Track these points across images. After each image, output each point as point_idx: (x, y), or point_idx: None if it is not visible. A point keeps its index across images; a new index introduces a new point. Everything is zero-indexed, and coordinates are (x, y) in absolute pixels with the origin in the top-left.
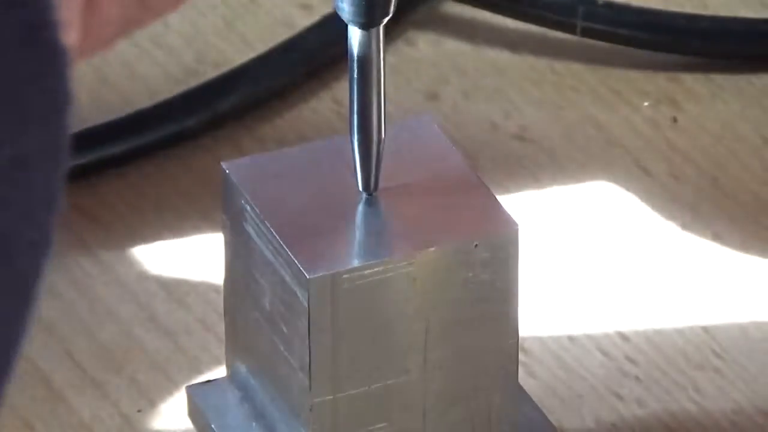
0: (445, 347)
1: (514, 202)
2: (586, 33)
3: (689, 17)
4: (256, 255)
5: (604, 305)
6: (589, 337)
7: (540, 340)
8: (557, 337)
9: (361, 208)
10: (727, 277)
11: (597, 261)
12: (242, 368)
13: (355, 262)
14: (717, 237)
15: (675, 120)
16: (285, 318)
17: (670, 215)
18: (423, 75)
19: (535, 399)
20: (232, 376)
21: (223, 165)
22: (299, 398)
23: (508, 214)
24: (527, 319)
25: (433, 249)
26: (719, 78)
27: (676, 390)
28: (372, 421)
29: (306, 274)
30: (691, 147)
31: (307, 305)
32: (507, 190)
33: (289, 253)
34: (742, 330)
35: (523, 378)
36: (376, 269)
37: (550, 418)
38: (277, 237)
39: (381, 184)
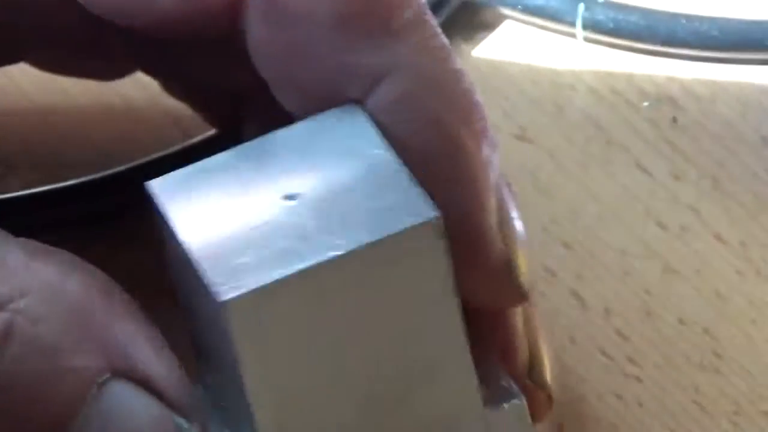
0: (394, 357)
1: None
2: (586, 32)
3: (689, 17)
4: (184, 281)
5: (604, 306)
6: (590, 337)
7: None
8: (558, 338)
9: (284, 214)
10: (727, 278)
11: (597, 261)
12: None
13: (275, 276)
14: (717, 237)
15: (675, 120)
16: (219, 352)
17: (670, 215)
18: None
19: None
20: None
21: (147, 185)
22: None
23: (428, 204)
24: None
25: (354, 250)
26: (719, 78)
27: (676, 390)
28: None
29: (219, 298)
30: (692, 147)
31: (230, 334)
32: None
33: (204, 275)
34: (743, 330)
35: None
36: (295, 283)
37: (551, 418)
38: (192, 258)
39: (305, 184)
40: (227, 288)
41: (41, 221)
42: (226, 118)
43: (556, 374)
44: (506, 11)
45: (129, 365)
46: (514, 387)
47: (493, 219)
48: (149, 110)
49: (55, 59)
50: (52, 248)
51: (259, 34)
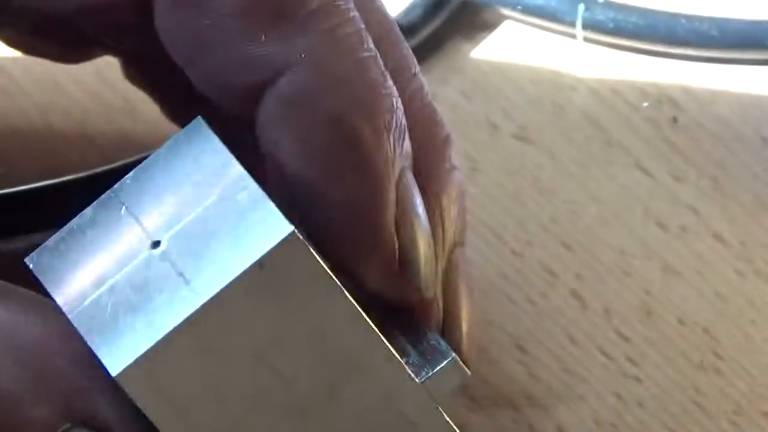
0: (306, 364)
1: (514, 203)
2: (586, 32)
3: (689, 17)
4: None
5: (604, 306)
6: (590, 337)
7: (540, 341)
8: (558, 338)
9: (154, 265)
10: (727, 278)
11: (597, 261)
12: None
13: (159, 336)
14: (717, 237)
15: (675, 120)
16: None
17: (670, 215)
18: (422, 75)
19: (535, 399)
20: None
21: (27, 261)
22: None
23: (282, 220)
24: (528, 320)
25: (225, 288)
26: (719, 78)
27: (676, 390)
28: None
29: (112, 373)
30: (691, 147)
31: (134, 398)
32: (507, 190)
33: (96, 351)
34: (743, 330)
35: (523, 378)
36: (180, 335)
37: (551, 418)
38: (82, 335)
39: (167, 227)
40: (117, 360)
41: (40, 218)
42: (181, 109)
43: (474, 335)
44: (506, 11)
45: (89, 413)
46: (443, 344)
47: (389, 215)
48: (149, 109)
49: (15, 37)
50: (12, 288)
51: (165, 18)
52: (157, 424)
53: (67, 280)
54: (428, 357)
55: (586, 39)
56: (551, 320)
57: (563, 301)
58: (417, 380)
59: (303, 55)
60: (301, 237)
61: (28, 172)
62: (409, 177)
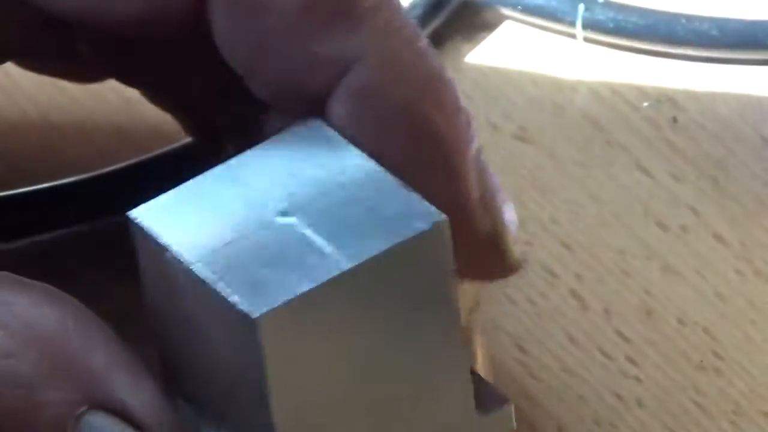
0: (403, 366)
1: (514, 203)
2: (586, 32)
3: (689, 17)
4: (192, 314)
5: (604, 306)
6: (590, 337)
7: (540, 341)
8: (557, 337)
9: (285, 231)
10: (727, 278)
11: (597, 261)
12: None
13: (302, 289)
14: (717, 237)
15: (675, 120)
16: (229, 376)
17: (670, 215)
18: None
19: (535, 400)
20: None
21: (129, 215)
22: None
23: (431, 207)
24: (528, 320)
25: (371, 258)
26: (719, 78)
27: (676, 390)
28: None
29: (252, 315)
30: (691, 147)
31: (259, 351)
32: (507, 190)
33: (226, 295)
34: (743, 330)
35: (523, 378)
36: (322, 294)
37: (551, 418)
38: (207, 280)
39: (296, 201)
40: (255, 305)
41: (40, 219)
42: (202, 125)
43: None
44: (506, 11)
45: (106, 396)
46: (499, 390)
47: (475, 192)
48: (149, 108)
49: (27, 61)
50: (28, 281)
51: (224, 26)
52: (266, 379)
53: (182, 235)
54: (481, 399)
55: (586, 39)
56: (551, 320)
57: (563, 301)
58: (476, 417)
59: (367, 49)
60: (449, 227)
61: (26, 170)
62: (484, 158)
